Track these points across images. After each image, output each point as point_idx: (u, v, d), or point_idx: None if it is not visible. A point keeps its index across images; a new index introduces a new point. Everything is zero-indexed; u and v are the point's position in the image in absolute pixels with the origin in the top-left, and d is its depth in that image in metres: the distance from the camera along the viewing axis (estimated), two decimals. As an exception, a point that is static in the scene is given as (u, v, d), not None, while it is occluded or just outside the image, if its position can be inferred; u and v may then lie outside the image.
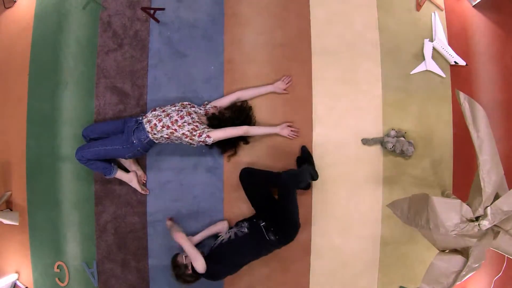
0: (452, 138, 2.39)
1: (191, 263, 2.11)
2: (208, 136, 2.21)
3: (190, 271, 2.13)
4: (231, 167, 2.45)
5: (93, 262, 2.57)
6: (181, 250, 2.20)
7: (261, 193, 2.26)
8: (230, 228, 2.34)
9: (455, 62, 2.37)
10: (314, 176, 2.32)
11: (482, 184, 1.69)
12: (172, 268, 2.17)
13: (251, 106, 2.43)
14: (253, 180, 2.28)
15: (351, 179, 2.41)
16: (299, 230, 2.22)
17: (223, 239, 2.21)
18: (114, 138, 2.30)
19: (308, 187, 2.39)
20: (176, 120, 2.21)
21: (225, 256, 2.15)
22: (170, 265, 2.19)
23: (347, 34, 2.45)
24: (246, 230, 2.19)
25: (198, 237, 2.35)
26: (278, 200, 2.21)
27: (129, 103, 2.54)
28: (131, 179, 2.44)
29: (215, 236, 2.35)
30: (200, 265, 2.06)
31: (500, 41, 2.38)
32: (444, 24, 2.42)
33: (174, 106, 2.31)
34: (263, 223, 2.17)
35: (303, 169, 2.24)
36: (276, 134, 2.40)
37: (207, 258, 2.12)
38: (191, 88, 2.51)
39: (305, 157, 2.37)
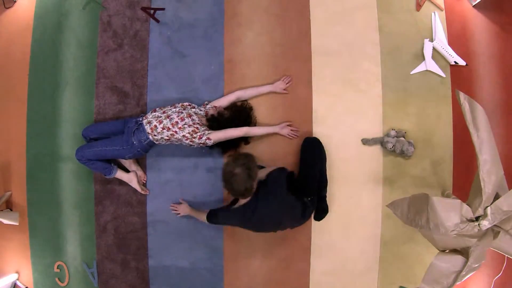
0: (452, 138, 2.39)
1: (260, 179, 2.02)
2: (209, 139, 2.20)
3: (254, 183, 1.94)
4: (231, 167, 2.45)
5: (93, 262, 2.57)
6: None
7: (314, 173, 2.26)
8: None
9: (455, 62, 2.37)
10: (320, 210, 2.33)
11: (482, 184, 1.69)
12: (250, 161, 1.92)
13: (251, 106, 2.43)
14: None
15: (351, 179, 2.41)
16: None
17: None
18: (114, 139, 2.30)
19: None
20: (177, 122, 2.21)
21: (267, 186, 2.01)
22: (246, 156, 1.95)
23: (347, 34, 2.45)
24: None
25: None
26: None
27: (129, 103, 2.54)
28: (131, 179, 2.44)
29: None
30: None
31: (500, 41, 2.38)
32: (444, 24, 2.42)
33: (175, 107, 2.30)
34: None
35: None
36: (276, 134, 2.40)
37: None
38: (191, 88, 2.51)
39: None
